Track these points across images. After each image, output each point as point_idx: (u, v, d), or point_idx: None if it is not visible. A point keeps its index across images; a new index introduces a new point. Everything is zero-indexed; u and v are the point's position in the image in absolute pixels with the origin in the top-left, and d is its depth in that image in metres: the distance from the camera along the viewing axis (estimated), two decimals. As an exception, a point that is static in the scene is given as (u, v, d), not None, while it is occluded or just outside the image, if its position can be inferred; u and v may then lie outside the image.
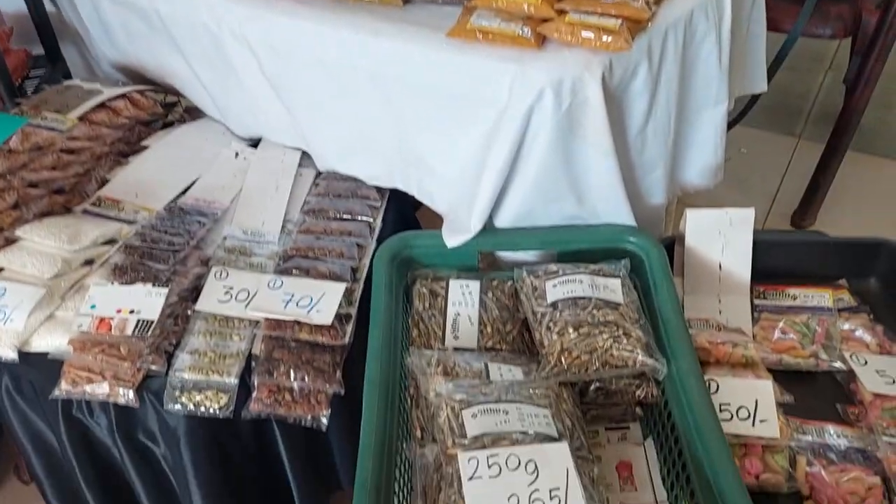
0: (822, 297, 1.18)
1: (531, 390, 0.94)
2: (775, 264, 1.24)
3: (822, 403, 1.06)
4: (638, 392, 1.04)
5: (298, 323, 1.07)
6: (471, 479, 0.81)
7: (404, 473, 0.94)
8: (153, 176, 1.31)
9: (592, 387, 1.04)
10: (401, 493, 0.92)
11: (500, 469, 0.82)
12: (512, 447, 0.84)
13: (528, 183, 1.10)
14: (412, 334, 1.12)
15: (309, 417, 1.09)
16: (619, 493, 1.00)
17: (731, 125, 1.34)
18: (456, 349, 1.09)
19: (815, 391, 1.08)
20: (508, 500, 0.79)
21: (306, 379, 1.05)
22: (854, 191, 2.19)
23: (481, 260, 1.21)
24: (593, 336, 1.01)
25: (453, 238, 1.15)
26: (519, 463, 0.82)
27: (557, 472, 0.82)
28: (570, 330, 1.02)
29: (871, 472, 0.94)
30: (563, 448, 0.84)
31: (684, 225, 1.20)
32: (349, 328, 1.11)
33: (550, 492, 0.80)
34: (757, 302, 1.20)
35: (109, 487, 1.15)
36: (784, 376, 1.08)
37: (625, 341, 1.01)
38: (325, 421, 1.09)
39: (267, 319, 1.07)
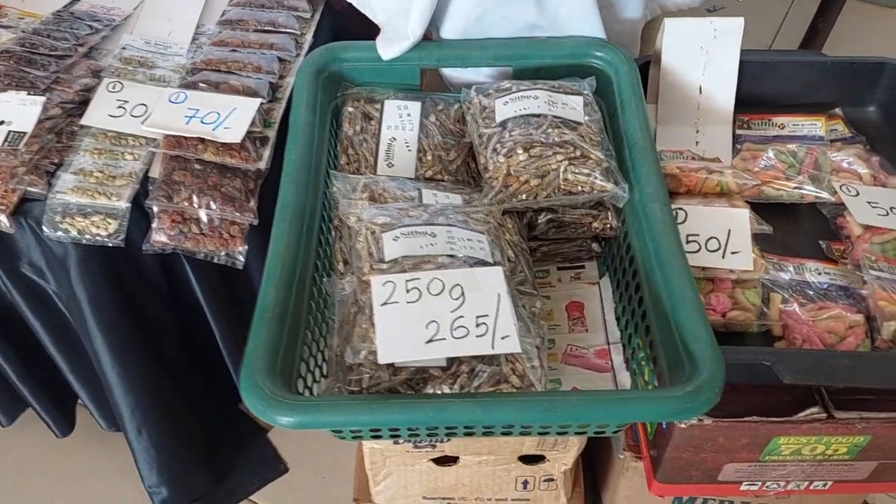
0: (813, 125, 1.03)
1: (468, 216, 0.80)
2: (763, 90, 1.08)
3: (805, 240, 0.93)
4: (595, 224, 0.90)
5: (203, 141, 0.92)
6: (384, 304, 0.68)
7: (324, 309, 0.82)
8: (43, -20, 1.11)
9: (543, 218, 0.90)
10: (317, 329, 0.79)
11: (421, 294, 0.69)
12: (436, 271, 0.71)
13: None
14: (340, 161, 0.97)
15: (223, 254, 0.96)
16: (567, 334, 0.89)
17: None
18: (389, 178, 0.94)
19: (798, 226, 0.95)
20: (427, 326, 0.67)
21: (213, 206, 0.90)
22: (854, 39, 2.01)
23: (424, 79, 1.04)
24: (546, 158, 0.87)
25: (388, 48, 0.98)
26: (443, 288, 0.69)
27: (488, 299, 0.69)
28: (520, 151, 0.87)
29: (854, 310, 0.82)
30: (496, 272, 0.71)
31: (661, 40, 1.03)
32: (266, 152, 0.96)
33: (477, 319, 0.67)
34: (740, 132, 1.05)
35: (9, 331, 1.03)
36: (765, 210, 0.94)
37: (582, 164, 0.86)
38: (241, 258, 0.95)
39: (166, 137, 0.92)
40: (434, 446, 0.87)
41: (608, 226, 0.90)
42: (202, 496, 1.26)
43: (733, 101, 1.04)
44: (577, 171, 0.86)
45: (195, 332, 1.08)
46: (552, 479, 0.94)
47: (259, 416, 0.64)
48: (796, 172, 0.96)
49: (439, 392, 0.68)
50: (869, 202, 0.91)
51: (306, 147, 0.89)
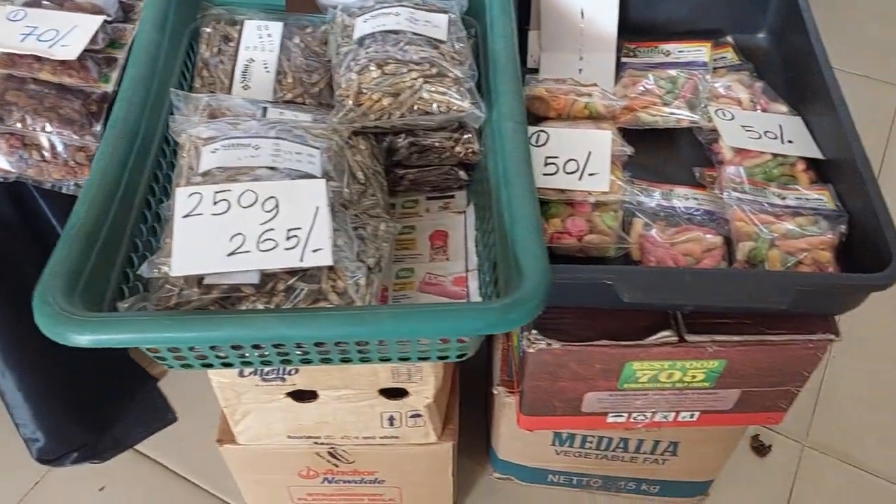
0: (698, 51, 0.99)
1: (308, 131, 0.75)
2: (651, 17, 1.04)
3: (680, 166, 0.90)
4: (457, 148, 0.86)
5: (39, 59, 0.85)
6: (186, 216, 0.63)
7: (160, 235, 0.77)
8: None
9: (404, 141, 0.86)
10: (148, 254, 0.74)
11: (230, 206, 0.64)
12: (252, 183, 0.66)
13: None
14: (195, 85, 0.91)
15: (72, 184, 0.90)
16: (427, 262, 0.85)
17: None
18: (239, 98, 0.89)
19: (674, 153, 0.92)
20: (231, 239, 0.62)
21: (49, 128, 0.84)
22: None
23: (290, 3, 0.99)
24: (400, 74, 0.82)
25: (245, -36, 0.92)
26: (256, 199, 0.65)
27: (304, 212, 0.64)
28: (373, 67, 0.82)
29: (715, 232, 0.79)
30: (317, 185, 0.66)
31: (540, -40, 0.98)
32: (114, 74, 0.90)
33: (289, 231, 0.63)
34: (625, 60, 1.01)
35: None
36: (642, 136, 0.91)
37: (439, 82, 0.82)
38: (90, 187, 0.89)
39: (-2, 54, 0.85)
40: (283, 379, 0.83)
41: (470, 150, 0.86)
42: (84, 445, 1.21)
43: (616, 27, 1.00)
44: (433, 89, 0.81)
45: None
46: (419, 415, 0.91)
47: (47, 333, 0.60)
48: (674, 98, 0.92)
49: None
50: (743, 126, 0.87)
51: (147, 66, 0.83)
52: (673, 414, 0.86)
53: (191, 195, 0.64)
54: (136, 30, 0.94)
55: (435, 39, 0.86)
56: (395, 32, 0.86)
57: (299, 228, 0.63)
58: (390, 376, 0.82)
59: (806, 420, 1.28)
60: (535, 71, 1.02)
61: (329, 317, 0.59)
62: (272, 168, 0.68)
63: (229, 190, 0.65)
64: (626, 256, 0.80)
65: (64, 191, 0.91)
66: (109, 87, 0.89)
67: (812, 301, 0.70)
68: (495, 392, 0.94)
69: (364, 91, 0.81)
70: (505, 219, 0.71)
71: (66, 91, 0.87)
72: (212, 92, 0.90)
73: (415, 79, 0.82)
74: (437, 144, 0.86)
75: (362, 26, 0.87)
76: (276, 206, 0.64)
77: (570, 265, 0.71)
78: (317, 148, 0.73)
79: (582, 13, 0.99)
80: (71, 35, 0.87)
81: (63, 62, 0.86)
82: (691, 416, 0.86)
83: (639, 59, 1.01)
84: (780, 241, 0.74)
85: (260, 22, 0.94)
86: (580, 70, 1.01)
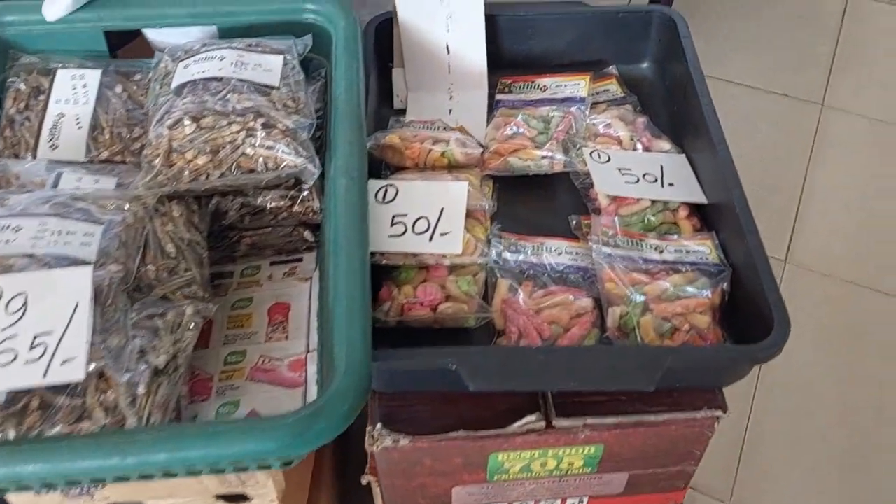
0: (576, 85, 0.90)
1: (95, 202, 0.63)
2: (526, 49, 0.95)
3: (555, 216, 0.80)
4: (296, 208, 0.75)
5: None
6: None
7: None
8: None
9: (232, 202, 0.74)
10: None
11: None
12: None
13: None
14: (-3, 146, 0.78)
15: None
16: (263, 343, 0.73)
17: None
18: (56, 163, 0.77)
19: (549, 201, 0.82)
20: (-41, 353, 0.49)
21: None
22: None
23: (116, 45, 0.87)
24: (219, 128, 0.70)
25: (52, 7, 0.80)
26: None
27: (59, 311, 0.52)
28: (188, 121, 0.71)
29: (586, 294, 0.69)
30: (80, 274, 0.54)
31: (397, -7, 0.88)
32: None
33: (34, 338, 0.50)
34: (499, 97, 0.92)
35: None
36: (515, 183, 0.81)
37: (263, 136, 0.70)
38: None
39: None
40: (92, 496, 0.69)
41: (310, 209, 0.74)
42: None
43: (485, 62, 0.90)
44: (257, 143, 0.70)
45: None
46: (272, 517, 0.78)
47: None
48: (546, 139, 0.83)
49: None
50: (620, 168, 0.78)
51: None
52: (559, 502, 0.75)
53: (-84, 295, 0.51)
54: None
55: (264, 86, 0.75)
56: (218, 79, 0.74)
57: (49, 333, 0.51)
58: (219, 483, 0.70)
59: (730, 477, 1.19)
60: (403, 112, 0.92)
61: (71, 447, 0.47)
62: (30, 255, 0.56)
63: (-37, 288, 0.52)
64: (489, 325, 0.69)
65: None
66: None
67: (687, 377, 0.60)
68: (364, 483, 0.82)
69: (176, 148, 0.70)
70: (330, 294, 0.59)
71: None
72: (16, 154, 0.78)
73: (236, 132, 0.70)
74: (271, 205, 0.74)
75: (182, 73, 0.76)
76: (24, 304, 0.52)
77: (407, 350, 0.60)
78: (99, 223, 0.61)
79: (447, 48, 0.90)
80: None
81: None
82: (579, 501, 0.75)
83: (513, 96, 0.91)
84: (653, 305, 0.64)
85: (75, 70, 0.82)
86: (450, 110, 0.91)
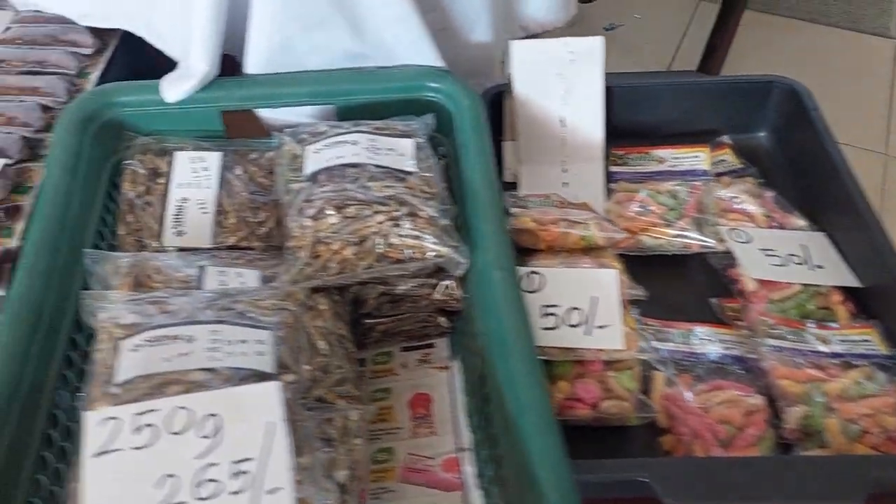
0: (696, 157, 0.88)
1: (255, 304, 0.61)
2: (639, 119, 0.93)
3: (693, 298, 0.77)
4: (436, 295, 0.72)
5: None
6: (99, 454, 0.48)
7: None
8: None
9: (372, 292, 0.72)
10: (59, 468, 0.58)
11: (158, 434, 0.49)
12: (184, 396, 0.51)
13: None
14: (119, 232, 0.76)
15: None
16: (409, 439, 0.70)
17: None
18: (183, 250, 0.74)
19: (685, 282, 0.80)
20: (158, 485, 0.46)
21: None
22: (756, 55, 1.91)
23: (231, 125, 0.85)
24: (363, 218, 0.68)
25: (172, 89, 0.79)
26: (189, 422, 0.49)
27: (253, 432, 0.49)
28: (331, 211, 0.68)
29: (753, 388, 0.66)
30: (268, 392, 0.52)
31: (509, 67, 0.87)
32: (18, 226, 0.74)
33: (233, 466, 0.47)
34: (614, 169, 0.90)
35: None
36: (645, 263, 0.79)
37: (409, 224, 0.68)
38: None
39: None
40: None
41: (452, 297, 0.72)
42: None
43: (602, 135, 0.88)
44: (403, 233, 0.68)
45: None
46: None
47: None
48: (677, 216, 0.81)
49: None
50: (763, 250, 0.76)
51: (55, 221, 0.69)
52: None
53: (103, 421, 0.49)
54: (44, 171, 0.79)
55: (401, 171, 0.73)
56: (354, 166, 0.73)
57: (249, 459, 0.48)
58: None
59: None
60: (513, 185, 0.90)
61: None
62: (209, 370, 0.53)
63: (155, 410, 0.49)
64: (651, 422, 0.66)
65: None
66: (13, 243, 0.74)
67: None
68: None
69: (322, 240, 0.68)
70: (508, 404, 0.57)
71: (-44, 254, 0.71)
72: (139, 240, 0.76)
73: (381, 222, 0.68)
74: (412, 293, 0.72)
75: (314, 158, 0.74)
76: (218, 428, 0.49)
77: (595, 462, 0.57)
78: (266, 328, 0.58)
79: (563, 121, 0.88)
80: (-39, 186, 0.72)
81: (-47, 220, 0.70)
82: None
83: (630, 168, 0.89)
84: (836, 405, 0.62)
85: (194, 153, 0.81)
86: (565, 183, 0.90)
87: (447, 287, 0.72)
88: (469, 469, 0.66)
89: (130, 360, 0.53)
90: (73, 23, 0.93)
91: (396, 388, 0.74)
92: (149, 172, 0.80)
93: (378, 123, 0.78)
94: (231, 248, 0.76)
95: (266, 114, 0.88)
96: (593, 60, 0.84)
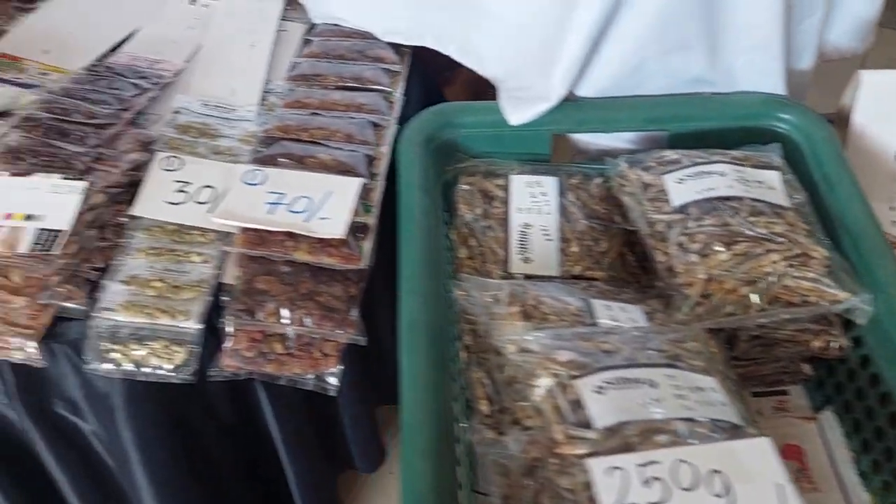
0: None
1: (679, 345, 0.58)
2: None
3: None
4: (816, 343, 0.68)
5: (293, 236, 0.70)
6: (616, 508, 0.45)
7: (464, 469, 0.59)
8: (71, 26, 0.91)
9: (746, 334, 0.68)
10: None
11: (669, 490, 0.46)
12: (676, 448, 0.48)
13: (645, 18, 0.71)
14: (459, 255, 0.75)
15: (311, 378, 0.73)
16: (789, 494, 0.66)
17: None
18: (530, 278, 0.73)
19: None
20: (684, 549, 0.44)
21: (308, 322, 0.68)
22: None
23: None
24: (756, 257, 0.65)
25: (519, 111, 0.77)
26: (697, 477, 0.47)
27: (761, 491, 0.46)
28: (720, 247, 0.65)
29: None
30: (762, 448, 0.48)
31: (852, 97, 0.82)
32: (368, 246, 0.74)
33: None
34: (944, 209, 0.84)
35: (19, 477, 0.79)
36: None
37: (803, 265, 0.65)
38: (334, 382, 0.73)
39: (244, 231, 0.70)
40: None
41: (836, 345, 0.68)
42: None
43: (946, 171, 0.83)
44: (798, 274, 0.64)
45: (265, 466, 0.85)
46: None
47: None
48: None
49: None
50: None
51: (426, 242, 0.68)
52: None
53: (609, 470, 0.46)
54: (381, 187, 0.79)
55: (777, 205, 0.69)
56: (727, 198, 0.69)
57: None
58: None
59: None
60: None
61: None
62: (688, 420, 0.50)
63: (657, 461, 0.47)
64: None
65: (298, 386, 0.74)
66: (366, 264, 0.73)
67: None
68: None
69: (714, 278, 0.64)
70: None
71: (321, 273, 0.71)
72: (482, 264, 0.75)
73: (775, 262, 0.65)
74: (789, 338, 0.68)
75: (678, 189, 0.71)
76: (727, 486, 0.46)
77: None
78: (710, 375, 0.55)
79: (898, 156, 0.83)
80: (329, 204, 0.71)
81: (321, 239, 0.70)
82: None
83: (966, 210, 0.84)
84: None
85: (530, 177, 0.79)
86: (894, 222, 0.84)
87: (829, 333, 0.68)
88: (873, 532, 0.62)
89: (601, 405, 0.51)
90: (373, 38, 0.93)
91: (760, 435, 0.70)
92: (481, 195, 0.79)
93: (732, 153, 0.75)
94: (576, 277, 0.74)
95: (583, 136, 0.86)
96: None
